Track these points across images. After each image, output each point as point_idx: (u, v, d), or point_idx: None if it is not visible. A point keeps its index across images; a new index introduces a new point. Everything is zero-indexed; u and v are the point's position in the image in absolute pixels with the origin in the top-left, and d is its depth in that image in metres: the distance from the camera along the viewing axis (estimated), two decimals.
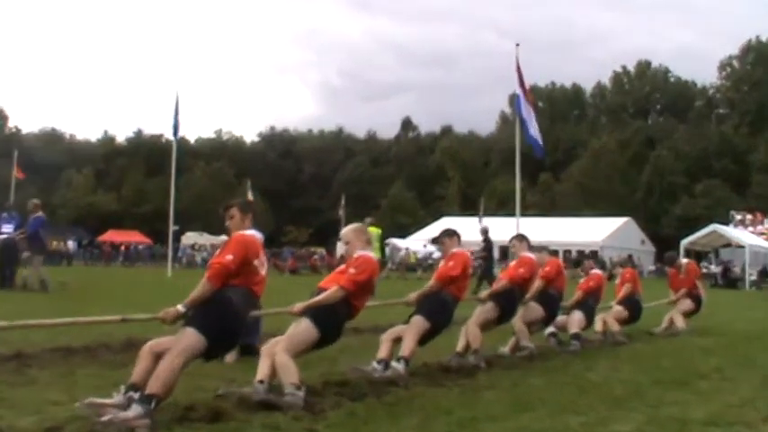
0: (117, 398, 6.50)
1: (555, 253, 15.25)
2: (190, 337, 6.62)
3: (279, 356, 7.46)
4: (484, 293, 11.30)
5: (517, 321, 11.69)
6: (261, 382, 7.43)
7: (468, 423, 6.76)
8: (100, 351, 10.36)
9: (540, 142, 23.28)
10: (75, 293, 21.46)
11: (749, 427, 6.87)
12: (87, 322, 9.15)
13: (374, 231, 26.76)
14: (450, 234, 10.51)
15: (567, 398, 8.17)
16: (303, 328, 7.81)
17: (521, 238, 12.03)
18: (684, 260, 17.96)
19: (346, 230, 8.80)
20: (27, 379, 8.28)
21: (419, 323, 9.59)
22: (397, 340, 9.52)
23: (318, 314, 7.87)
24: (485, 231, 28.75)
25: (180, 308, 6.73)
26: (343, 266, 8.51)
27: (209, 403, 6.85)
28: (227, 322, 6.87)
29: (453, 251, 10.21)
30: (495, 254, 65.96)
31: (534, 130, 22.90)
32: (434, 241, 15.12)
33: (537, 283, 11.91)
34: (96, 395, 6.90)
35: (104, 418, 6.13)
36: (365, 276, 8.21)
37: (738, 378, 9.89)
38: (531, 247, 11.99)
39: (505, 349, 11.83)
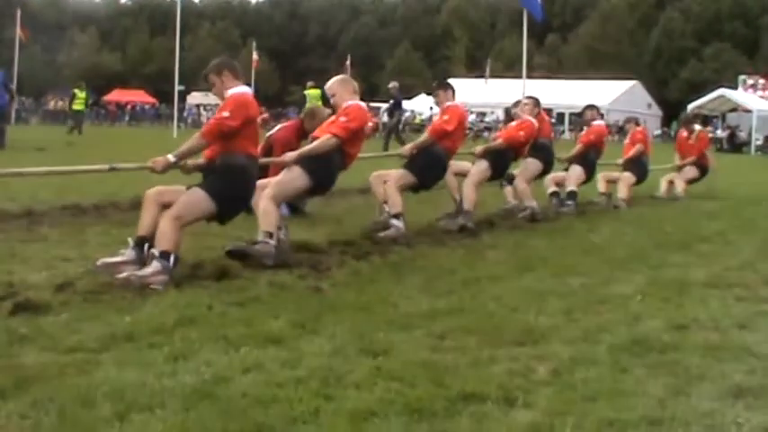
0: (128, 253, 6.57)
1: (561, 115, 15.14)
2: (196, 197, 6.68)
3: (263, 202, 7.44)
4: (478, 148, 11.19)
5: (519, 182, 11.71)
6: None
7: (471, 282, 6.86)
8: (109, 209, 10.47)
9: (539, 1, 22.62)
10: (81, 152, 21.47)
11: (748, 288, 6.94)
12: (76, 171, 9.17)
13: (314, 92, 26.57)
14: (445, 87, 10.38)
15: (570, 259, 8.27)
16: (294, 176, 7.80)
17: (536, 102, 11.90)
18: (698, 127, 17.67)
19: (331, 83, 8.65)
20: (38, 236, 8.39)
21: (402, 175, 9.57)
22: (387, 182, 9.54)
23: (311, 162, 7.84)
24: (395, 88, 28.27)
25: (170, 157, 6.73)
26: (333, 117, 8.46)
27: (217, 261, 6.94)
28: (239, 189, 6.95)
29: (447, 104, 10.09)
30: (501, 114, 65.73)
31: None
32: (429, 93, 15.05)
33: None
34: (106, 252, 6.99)
35: (122, 275, 6.21)
36: (356, 124, 8.16)
37: (740, 241, 9.98)
38: (539, 113, 11.90)
39: (511, 203, 11.96)
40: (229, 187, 6.83)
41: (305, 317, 5.41)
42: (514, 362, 4.60)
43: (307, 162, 7.84)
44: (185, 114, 66.30)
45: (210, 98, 77.25)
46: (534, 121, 11.58)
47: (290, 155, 8.01)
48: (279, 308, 5.66)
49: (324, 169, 7.97)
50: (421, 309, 5.83)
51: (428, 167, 9.70)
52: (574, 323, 5.59)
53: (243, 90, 7.06)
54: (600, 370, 4.51)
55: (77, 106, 37.06)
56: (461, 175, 10.88)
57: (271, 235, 7.26)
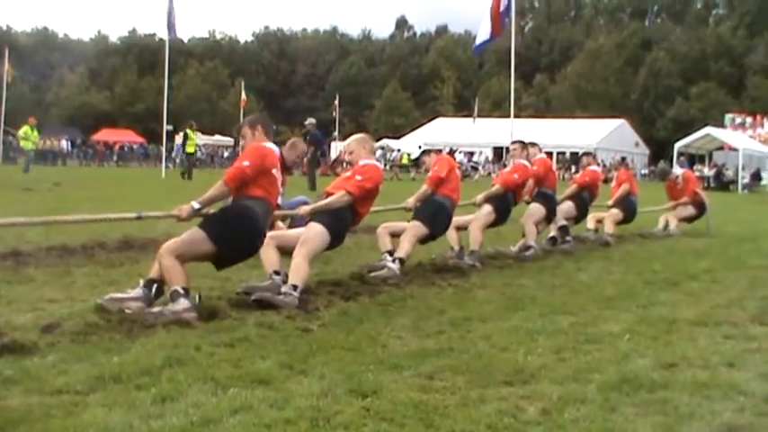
0: (136, 291, 6.68)
1: (549, 155, 15.34)
2: (195, 236, 6.78)
3: (298, 259, 7.57)
4: (479, 197, 11.42)
5: (527, 222, 12.07)
6: (277, 273, 7.61)
7: (460, 322, 6.85)
8: (96, 250, 10.41)
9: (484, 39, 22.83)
10: (68, 193, 21.44)
11: (736, 326, 6.96)
12: (103, 219, 9.24)
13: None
14: (429, 153, 11.05)
15: (559, 298, 8.28)
16: (318, 233, 7.93)
17: (523, 145, 12.14)
18: (680, 170, 17.92)
19: (350, 141, 9.03)
20: (24, 277, 8.34)
21: (417, 228, 9.81)
22: (394, 235, 9.80)
23: (331, 220, 8.01)
24: (311, 124, 27.44)
25: (194, 205, 6.89)
26: (348, 173, 8.58)
27: (205, 302, 6.91)
28: (244, 234, 7.03)
29: (436, 158, 10.63)
30: (489, 154, 65.97)
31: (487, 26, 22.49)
32: (416, 164, 15.54)
33: (529, 182, 12.11)
34: (93, 293, 6.98)
35: (154, 309, 6.37)
36: (372, 184, 8.37)
37: (728, 279, 10.00)
38: (529, 157, 12.15)
39: (514, 248, 12.06)
40: (228, 229, 6.91)
41: (293, 357, 5.40)
42: (504, 402, 4.58)
43: (327, 220, 8.00)
44: (173, 154, 66.24)
45: (198, 138, 77.46)
46: (527, 162, 11.92)
47: (305, 208, 8.37)
48: (267, 348, 5.65)
49: (340, 226, 8.15)
50: (410, 349, 5.82)
51: (436, 215, 10.01)
52: (563, 362, 5.58)
53: (266, 144, 7.31)
54: (589, 409, 4.49)
55: (190, 149, 35.63)
56: (463, 228, 11.16)
57: (296, 287, 7.32)
